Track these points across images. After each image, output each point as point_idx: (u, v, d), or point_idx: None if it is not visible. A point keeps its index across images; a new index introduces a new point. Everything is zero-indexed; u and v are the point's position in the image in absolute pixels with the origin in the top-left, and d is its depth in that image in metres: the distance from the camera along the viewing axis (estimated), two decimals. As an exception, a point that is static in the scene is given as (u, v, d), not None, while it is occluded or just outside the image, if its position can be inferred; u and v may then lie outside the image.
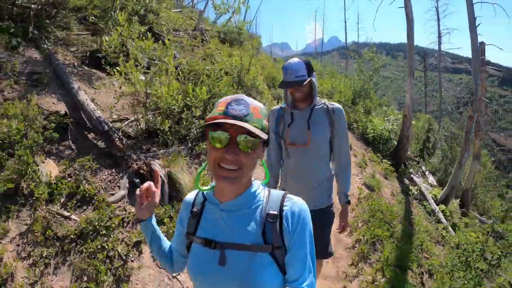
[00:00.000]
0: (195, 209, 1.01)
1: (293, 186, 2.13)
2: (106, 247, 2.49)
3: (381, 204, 4.71)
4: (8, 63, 3.71)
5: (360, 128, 8.53)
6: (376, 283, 3.21)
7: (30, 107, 2.99)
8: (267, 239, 0.90)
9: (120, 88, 3.89)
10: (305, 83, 1.93)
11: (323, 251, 2.20)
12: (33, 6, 4.79)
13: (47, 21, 4.90)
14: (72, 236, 2.40)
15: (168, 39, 3.94)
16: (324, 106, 2.08)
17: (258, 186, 0.98)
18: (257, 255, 0.88)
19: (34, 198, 2.50)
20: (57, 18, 5.17)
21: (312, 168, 2.07)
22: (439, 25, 20.58)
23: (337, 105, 2.11)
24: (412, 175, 7.57)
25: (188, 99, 3.82)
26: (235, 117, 0.82)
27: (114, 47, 3.56)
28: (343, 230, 2.23)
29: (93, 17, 5.61)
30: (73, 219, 2.55)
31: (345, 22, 27.34)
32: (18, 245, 2.29)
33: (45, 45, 4.47)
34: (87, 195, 2.72)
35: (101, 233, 2.52)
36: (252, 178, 0.99)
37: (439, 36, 20.23)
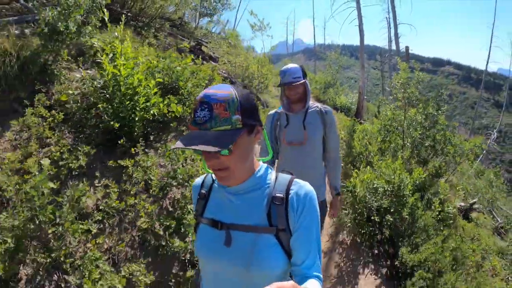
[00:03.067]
0: (203, 191, 1.10)
1: None
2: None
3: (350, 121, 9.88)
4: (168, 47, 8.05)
5: (331, 102, 13.81)
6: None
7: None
8: (272, 221, 0.96)
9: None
10: (300, 82, 2.27)
11: None
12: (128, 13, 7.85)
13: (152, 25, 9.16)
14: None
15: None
16: (317, 108, 2.39)
17: (265, 169, 1.05)
18: (262, 237, 0.95)
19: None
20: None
21: (308, 165, 2.35)
22: (389, 33, 27.13)
23: (329, 108, 2.45)
24: (365, 128, 12.87)
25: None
26: (200, 126, 0.86)
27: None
28: (333, 217, 2.64)
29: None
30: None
31: (314, 28, 33.47)
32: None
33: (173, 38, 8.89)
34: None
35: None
36: (259, 162, 1.07)
37: (389, 41, 26.74)
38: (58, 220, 2.32)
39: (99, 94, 3.27)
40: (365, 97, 14.52)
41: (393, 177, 3.49)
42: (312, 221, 0.98)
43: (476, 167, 11.78)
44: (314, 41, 35.37)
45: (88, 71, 3.74)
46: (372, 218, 3.44)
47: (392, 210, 3.35)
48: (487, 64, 19.22)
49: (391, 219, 3.28)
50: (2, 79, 3.11)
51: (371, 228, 3.43)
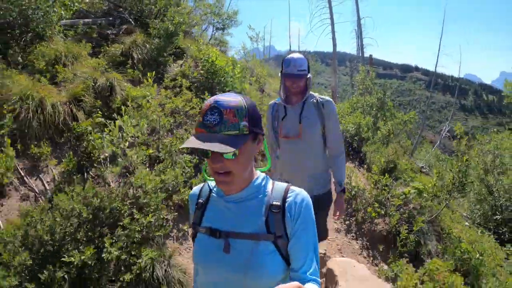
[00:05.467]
0: (200, 200, 1.17)
1: (289, 176, 2.36)
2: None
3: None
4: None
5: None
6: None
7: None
8: (270, 229, 1.04)
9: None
10: (306, 76, 2.24)
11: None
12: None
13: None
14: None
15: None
16: (314, 100, 2.35)
17: (262, 178, 1.13)
18: (260, 244, 1.03)
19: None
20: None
21: (306, 158, 2.35)
22: (357, 43, 31.89)
23: (327, 98, 2.38)
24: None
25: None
26: (209, 129, 0.95)
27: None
28: (338, 218, 2.55)
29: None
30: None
31: (289, 38, 37.83)
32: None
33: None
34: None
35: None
36: (257, 171, 1.15)
37: (358, 50, 31.47)
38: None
39: (205, 72, 5.90)
40: (337, 95, 18.49)
41: (355, 121, 7.14)
42: (308, 227, 1.06)
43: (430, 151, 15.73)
44: (290, 48, 39.77)
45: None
46: (348, 140, 7.00)
47: (357, 135, 6.96)
48: (435, 68, 24.41)
49: (356, 138, 6.86)
50: (138, 61, 5.26)
51: (347, 145, 6.94)
